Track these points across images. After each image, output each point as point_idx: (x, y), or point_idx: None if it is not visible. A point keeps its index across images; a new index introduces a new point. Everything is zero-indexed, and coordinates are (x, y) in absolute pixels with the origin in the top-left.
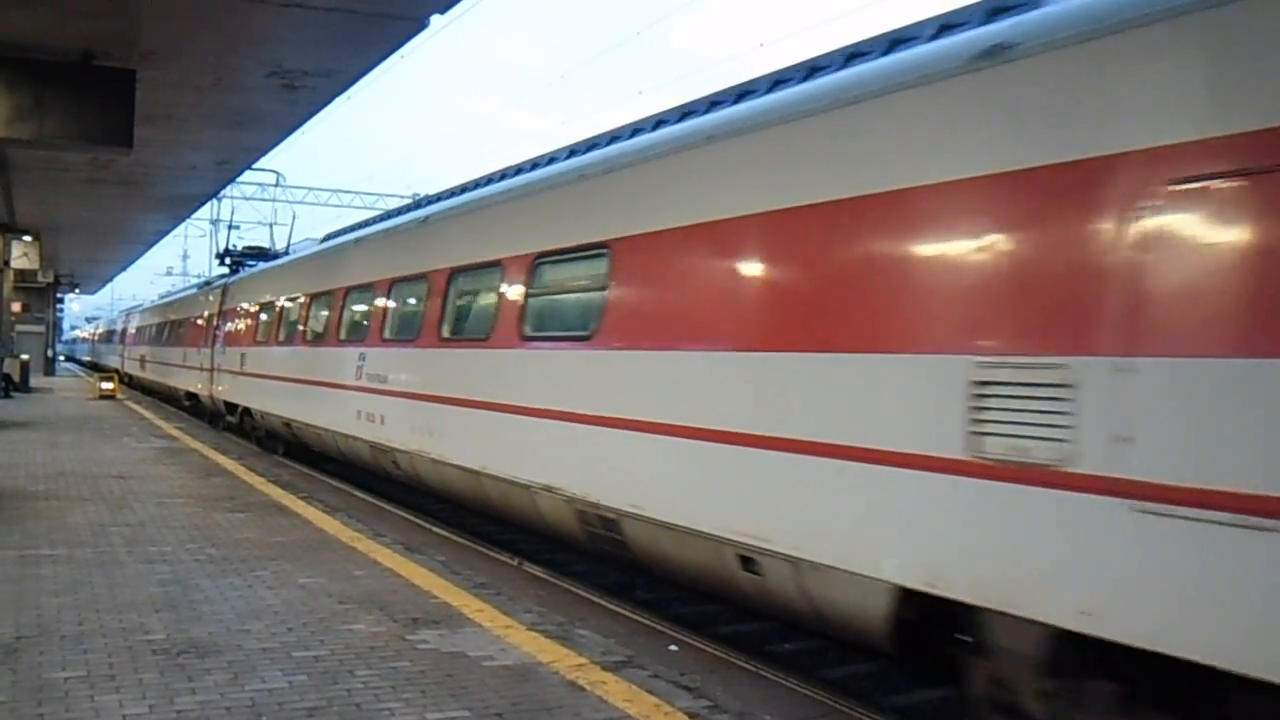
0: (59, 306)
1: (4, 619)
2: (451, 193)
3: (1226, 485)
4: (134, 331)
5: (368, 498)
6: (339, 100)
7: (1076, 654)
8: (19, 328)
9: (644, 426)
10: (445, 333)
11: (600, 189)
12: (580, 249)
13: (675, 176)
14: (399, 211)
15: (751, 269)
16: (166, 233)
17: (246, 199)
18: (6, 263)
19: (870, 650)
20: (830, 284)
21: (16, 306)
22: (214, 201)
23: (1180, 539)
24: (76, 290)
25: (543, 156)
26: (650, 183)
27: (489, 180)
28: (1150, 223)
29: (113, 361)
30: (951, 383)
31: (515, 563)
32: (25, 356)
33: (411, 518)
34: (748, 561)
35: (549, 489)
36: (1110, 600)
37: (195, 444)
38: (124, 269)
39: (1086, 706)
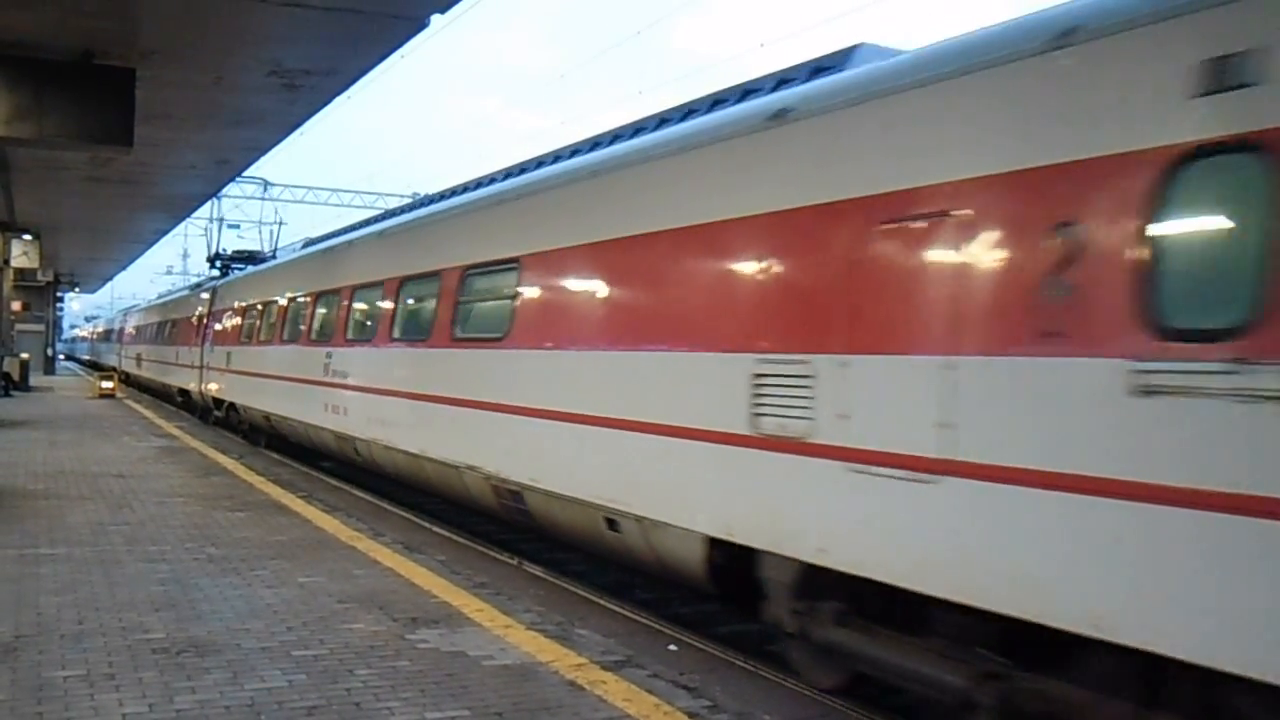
0: (59, 305)
1: (3, 618)
2: (408, 208)
3: (908, 450)
4: (130, 331)
5: (367, 497)
6: (339, 100)
7: (816, 580)
8: (19, 327)
9: (538, 413)
10: (395, 334)
11: (513, 212)
12: (498, 263)
13: (560, 204)
14: (366, 223)
15: (610, 284)
16: (166, 232)
17: (248, 197)
18: (6, 261)
19: (696, 590)
20: (660, 296)
21: (16, 305)
22: (214, 200)
23: (880, 490)
24: (76, 289)
25: (484, 176)
26: (546, 209)
27: (440, 197)
28: (864, 254)
29: (110, 360)
30: (740, 375)
31: (515, 562)
32: (25, 355)
33: (411, 517)
34: (611, 522)
35: (472, 468)
36: (838, 539)
37: (195, 443)
38: (124, 268)
39: (820, 620)
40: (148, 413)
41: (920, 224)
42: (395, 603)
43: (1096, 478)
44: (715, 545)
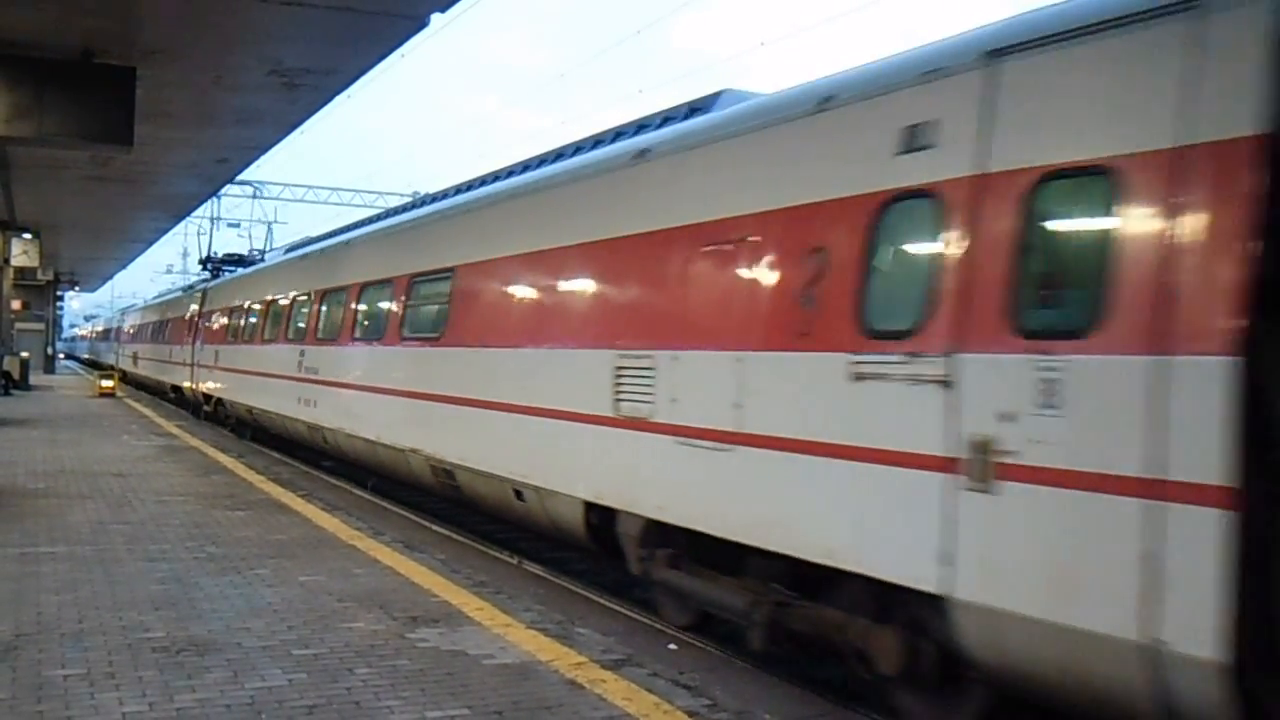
0: (59, 304)
1: (4, 617)
2: (371, 220)
3: (714, 426)
4: (127, 330)
5: (368, 496)
6: (339, 99)
7: (656, 532)
8: (19, 325)
9: (463, 402)
10: (356, 334)
11: (449, 229)
12: (437, 272)
13: (481, 223)
14: (345, 229)
15: (514, 291)
16: (166, 230)
17: (249, 196)
18: (6, 260)
19: (580, 547)
20: (550, 301)
21: (16, 304)
22: (214, 200)
23: (697, 458)
24: (76, 288)
25: (438, 192)
26: (472, 226)
27: (400, 210)
28: (690, 269)
29: (109, 359)
30: (606, 367)
31: (515, 561)
32: (25, 354)
33: (411, 516)
34: (518, 493)
35: (415, 451)
36: (671, 499)
37: (195, 441)
38: (124, 267)
39: (658, 564)
40: (148, 411)
41: (728, 246)
42: (395, 601)
43: (829, 443)
44: (590, 508)
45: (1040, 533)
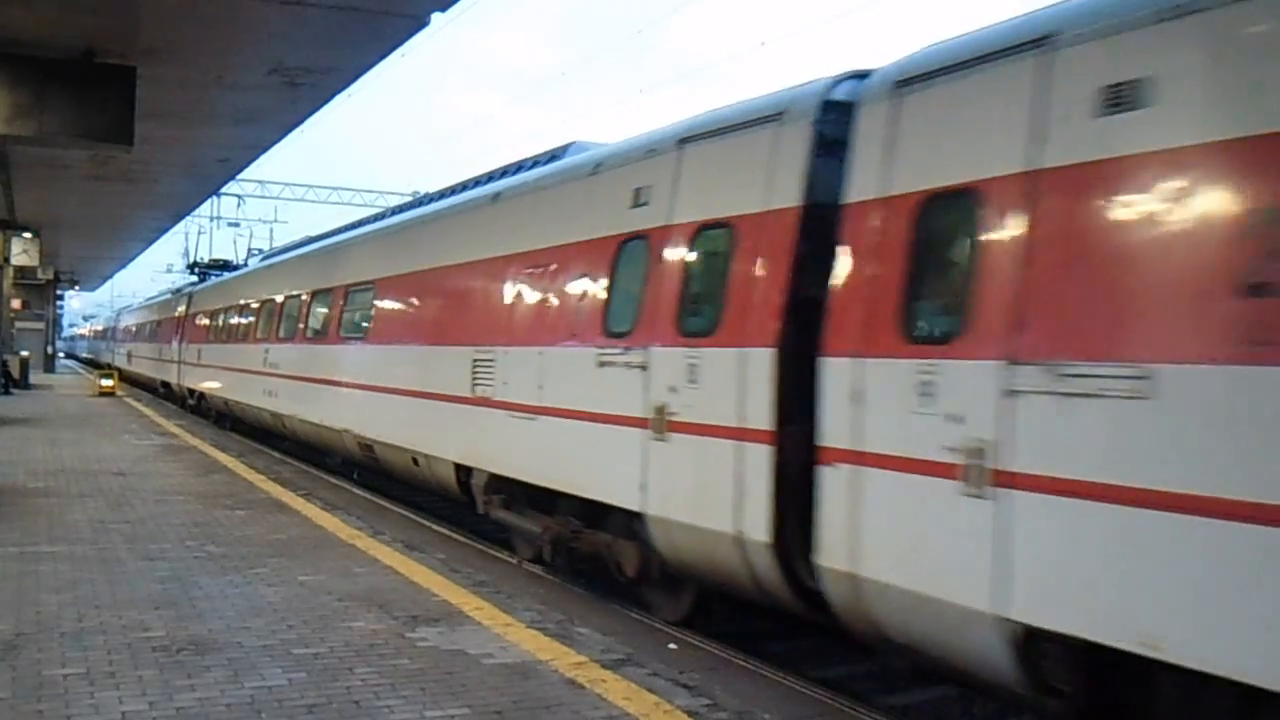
0: (59, 303)
1: (4, 616)
2: (328, 234)
3: (527, 401)
4: (122, 330)
5: (368, 495)
6: (340, 98)
7: (496, 483)
8: (19, 324)
9: (379, 389)
10: (309, 333)
11: (372, 248)
12: (363, 283)
13: (389, 245)
14: (305, 241)
15: (411, 301)
16: (166, 230)
17: (250, 195)
18: (7, 259)
19: (453, 499)
20: (431, 309)
21: (16, 303)
22: (214, 198)
23: (518, 426)
24: (76, 287)
25: (374, 215)
26: (384, 248)
27: (346, 229)
28: (516, 287)
29: (106, 357)
30: (467, 360)
31: (515, 561)
32: (25, 353)
33: (411, 515)
34: (415, 460)
35: (346, 430)
36: (502, 456)
37: (195, 441)
38: (124, 266)
39: (494, 506)
40: (148, 411)
41: (539, 269)
42: (395, 601)
43: (587, 410)
44: (458, 468)
45: (689, 466)
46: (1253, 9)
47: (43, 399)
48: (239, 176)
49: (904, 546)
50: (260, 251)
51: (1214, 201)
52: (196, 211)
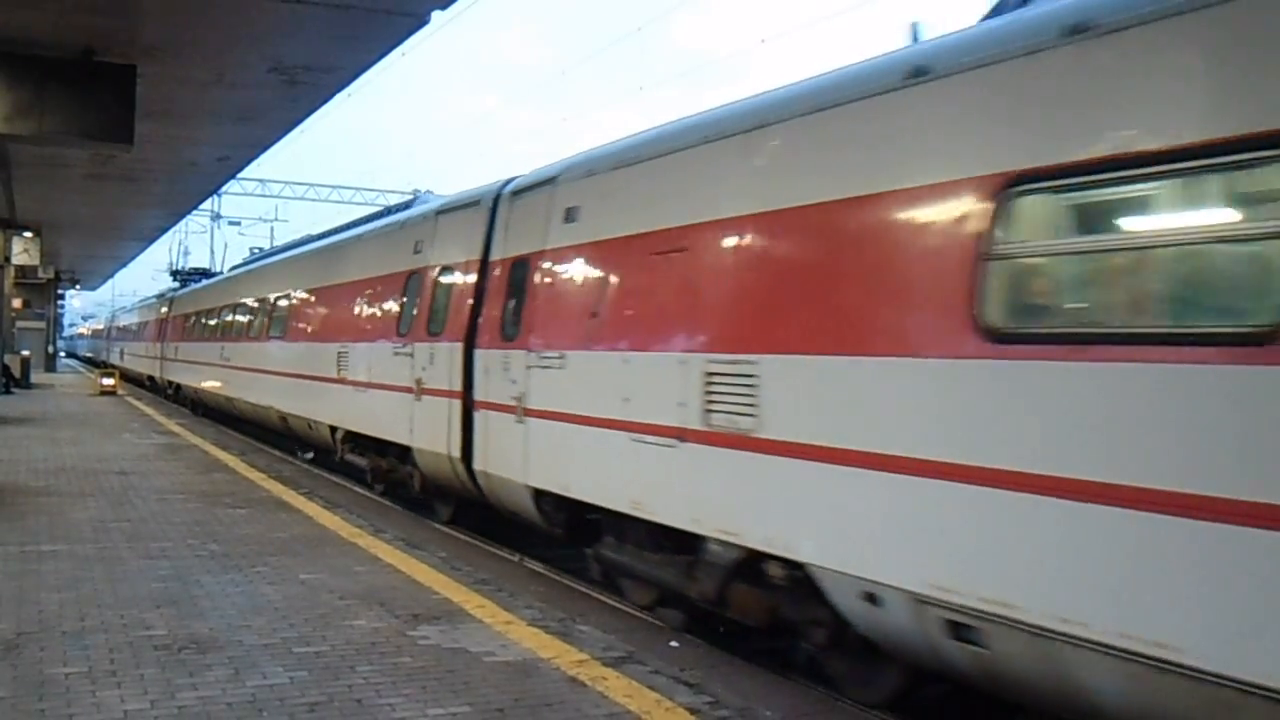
0: (60, 302)
1: (5, 615)
2: (268, 253)
3: (362, 379)
4: (115, 330)
5: (368, 494)
6: (340, 97)
7: (351, 436)
8: (20, 324)
9: (289, 375)
10: (251, 333)
11: (282, 270)
12: (280, 294)
13: (292, 268)
14: (256, 258)
15: (306, 311)
16: (167, 229)
17: (247, 194)
18: (7, 259)
19: (330, 451)
20: (317, 317)
21: (17, 302)
22: (215, 197)
23: (360, 396)
24: (77, 286)
25: (291, 242)
26: (291, 271)
27: (285, 248)
28: (359, 302)
29: (103, 355)
30: (334, 353)
31: (516, 559)
32: (26, 352)
33: (412, 514)
34: (310, 425)
35: (271, 407)
36: (353, 417)
37: (196, 439)
38: (124, 265)
39: (344, 453)
40: (149, 410)
41: (369, 291)
42: (396, 599)
43: (389, 384)
44: (333, 430)
45: (429, 415)
46: (600, 181)
47: (44, 398)
48: (239, 175)
49: (502, 453)
50: (260, 250)
51: (590, 269)
52: (182, 217)
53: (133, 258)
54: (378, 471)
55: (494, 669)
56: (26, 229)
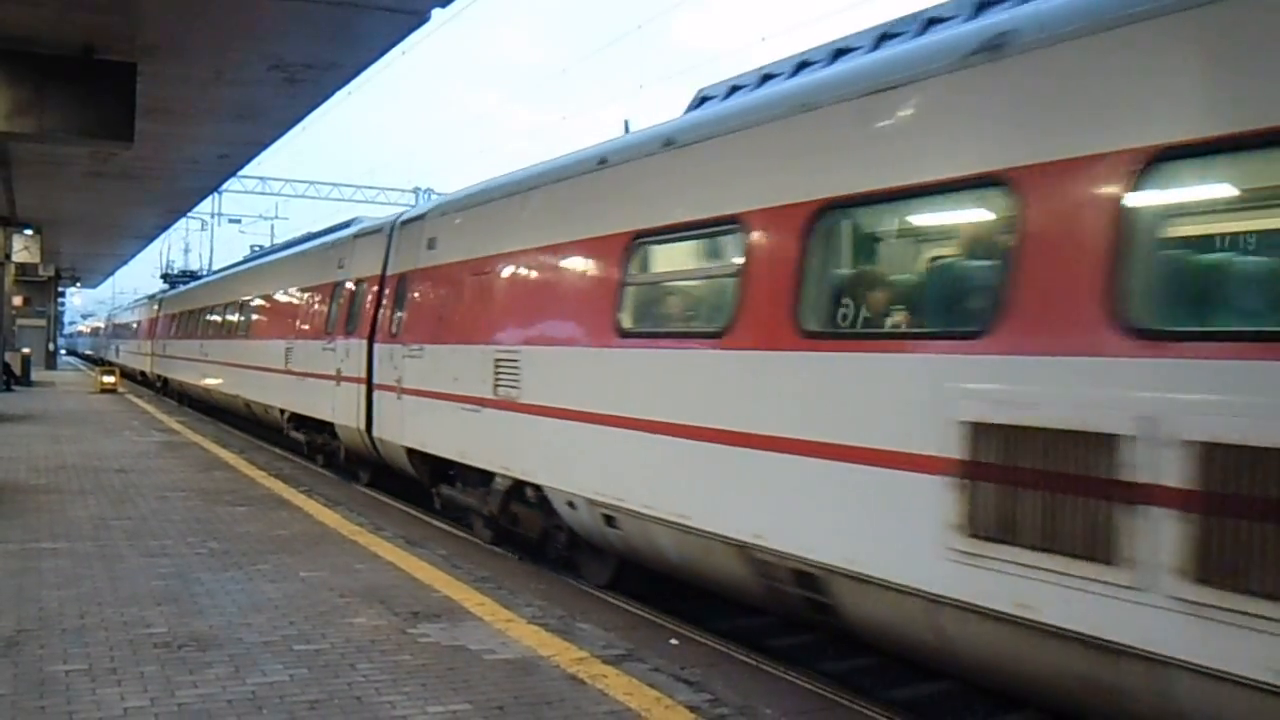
0: (60, 300)
1: (5, 613)
2: (238, 264)
3: (299, 370)
4: (111, 328)
5: (369, 492)
6: (340, 94)
7: (293, 418)
8: (20, 321)
9: (262, 370)
10: (223, 333)
11: (241, 279)
12: (245, 299)
13: (246, 279)
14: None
15: (251, 315)
16: (167, 227)
17: (248, 191)
18: (8, 256)
19: (279, 429)
20: (258, 321)
21: (18, 300)
22: (214, 195)
23: (298, 382)
24: (78, 284)
25: (248, 257)
26: (243, 281)
27: (245, 261)
28: (295, 307)
29: (99, 351)
30: (283, 348)
31: (516, 557)
32: (26, 350)
33: (412, 511)
34: (265, 409)
35: (237, 395)
36: (294, 400)
37: (196, 437)
38: (125, 263)
39: (289, 427)
40: (149, 407)
41: (304, 297)
42: (397, 597)
43: (317, 373)
44: (282, 412)
45: (347, 398)
46: (449, 219)
47: (44, 396)
48: (239, 173)
49: (389, 422)
50: (261, 247)
51: (439, 284)
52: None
53: (133, 255)
54: (313, 445)
55: (494, 666)
56: (27, 226)
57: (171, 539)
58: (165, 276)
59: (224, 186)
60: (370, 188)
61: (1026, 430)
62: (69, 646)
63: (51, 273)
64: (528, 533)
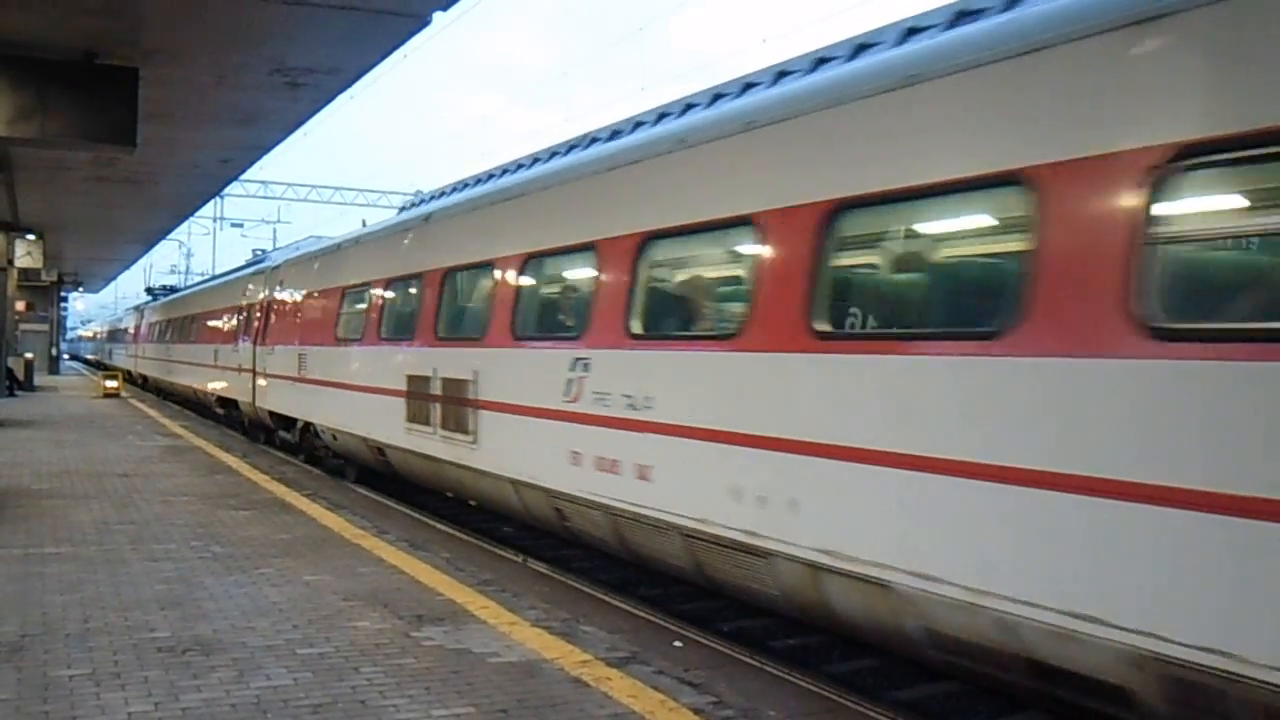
0: (63, 305)
1: (9, 617)
2: (206, 279)
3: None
4: (107, 334)
5: (372, 495)
6: (342, 98)
7: (226, 400)
8: (23, 326)
9: (202, 366)
10: (179, 338)
11: (197, 297)
12: (183, 318)
13: (198, 297)
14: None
15: (198, 326)
16: (170, 231)
17: (250, 195)
18: (11, 261)
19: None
20: (204, 331)
21: (21, 305)
22: (216, 200)
23: (235, 376)
24: (80, 289)
25: (210, 277)
26: (196, 299)
27: (213, 278)
28: (224, 321)
29: (97, 355)
30: (212, 351)
31: (520, 559)
32: (29, 355)
33: (415, 515)
34: (212, 395)
35: (190, 386)
36: (233, 391)
37: (199, 441)
38: (128, 267)
39: (247, 416)
40: (152, 412)
41: (227, 317)
42: (400, 600)
43: (236, 367)
44: (213, 396)
45: (243, 382)
46: (287, 267)
47: (47, 401)
48: (241, 177)
49: (262, 395)
50: (263, 251)
51: (280, 308)
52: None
53: (135, 260)
54: (229, 418)
55: (498, 670)
56: (29, 231)
57: (175, 543)
58: (149, 290)
59: (226, 191)
60: (372, 191)
61: None
62: (73, 651)
63: (54, 277)
64: (312, 449)
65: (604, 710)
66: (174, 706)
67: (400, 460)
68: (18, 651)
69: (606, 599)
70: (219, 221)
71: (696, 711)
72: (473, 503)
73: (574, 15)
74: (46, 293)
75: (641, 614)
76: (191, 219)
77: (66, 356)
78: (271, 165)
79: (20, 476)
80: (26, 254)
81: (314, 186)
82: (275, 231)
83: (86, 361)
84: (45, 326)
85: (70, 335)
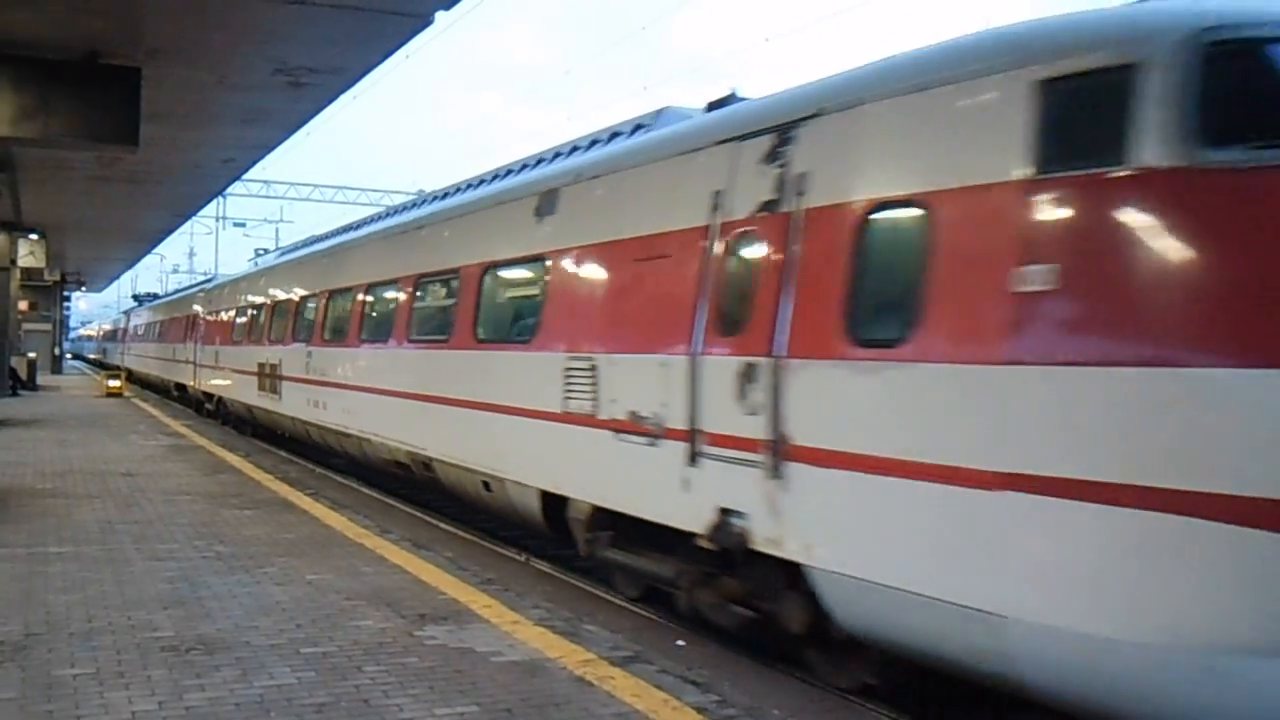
0: (66, 305)
1: (13, 617)
2: (191, 287)
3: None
4: (103, 334)
5: (375, 494)
6: (344, 98)
7: (181, 386)
8: (26, 326)
9: (168, 360)
10: (153, 337)
11: (169, 304)
12: (155, 321)
13: (170, 305)
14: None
15: (174, 327)
16: (172, 230)
17: (253, 195)
18: (13, 261)
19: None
20: (180, 332)
21: (24, 305)
22: (219, 199)
23: (213, 373)
24: (83, 288)
25: (190, 285)
26: (170, 305)
27: (203, 283)
28: (189, 327)
29: (95, 353)
30: (192, 350)
31: (523, 559)
32: (32, 354)
33: (418, 514)
34: (209, 396)
35: (161, 376)
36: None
37: (202, 441)
38: (130, 267)
39: (221, 409)
40: (155, 411)
41: (189, 319)
42: (403, 599)
43: (189, 361)
44: (173, 383)
45: (188, 371)
46: (214, 291)
47: (50, 400)
48: (244, 177)
49: (204, 380)
50: (265, 250)
51: (212, 321)
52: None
53: (138, 259)
54: (185, 400)
55: (501, 669)
56: (32, 231)
57: (178, 542)
58: (135, 296)
59: (229, 190)
60: (374, 190)
61: None
62: (76, 650)
63: (57, 277)
64: (225, 415)
65: (607, 709)
66: (178, 705)
67: (258, 415)
68: (21, 651)
69: (609, 598)
70: (221, 221)
71: (700, 710)
72: (280, 432)
73: (576, 14)
74: (49, 292)
75: (645, 613)
76: (194, 218)
77: (69, 356)
78: (274, 164)
79: (23, 476)
80: (29, 253)
81: (316, 186)
82: (278, 231)
83: (89, 361)
84: (48, 326)
85: (73, 335)
